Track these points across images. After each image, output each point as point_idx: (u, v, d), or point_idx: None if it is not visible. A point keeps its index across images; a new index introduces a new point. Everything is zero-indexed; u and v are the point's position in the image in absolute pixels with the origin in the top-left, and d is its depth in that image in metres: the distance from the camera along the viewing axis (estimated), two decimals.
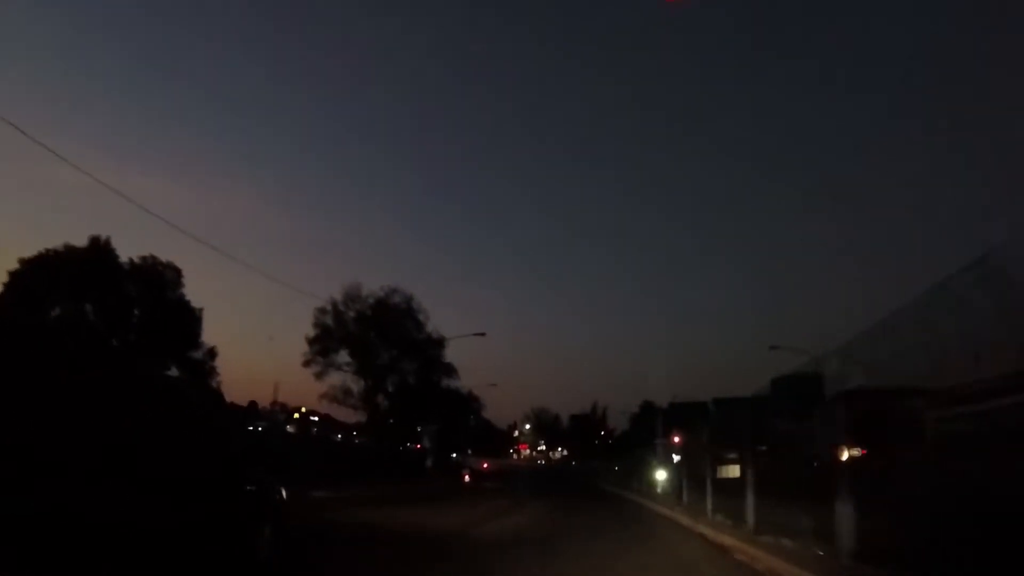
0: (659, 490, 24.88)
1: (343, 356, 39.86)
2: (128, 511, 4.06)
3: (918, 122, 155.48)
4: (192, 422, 5.27)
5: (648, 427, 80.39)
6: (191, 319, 33.69)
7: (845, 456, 7.17)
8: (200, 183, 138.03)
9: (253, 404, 52.53)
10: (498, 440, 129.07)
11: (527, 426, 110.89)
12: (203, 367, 34.21)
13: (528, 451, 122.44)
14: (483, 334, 45.08)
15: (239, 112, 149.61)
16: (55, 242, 31.36)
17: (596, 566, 7.89)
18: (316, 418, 58.25)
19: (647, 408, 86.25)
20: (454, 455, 73.44)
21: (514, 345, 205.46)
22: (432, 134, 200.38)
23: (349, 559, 7.66)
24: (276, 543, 6.14)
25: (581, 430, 62.75)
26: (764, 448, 11.72)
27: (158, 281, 32.72)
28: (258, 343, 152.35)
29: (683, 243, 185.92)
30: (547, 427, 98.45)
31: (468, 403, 65.28)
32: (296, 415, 57.95)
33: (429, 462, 47.66)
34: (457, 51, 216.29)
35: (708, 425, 18.72)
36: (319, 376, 39.47)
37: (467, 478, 44.98)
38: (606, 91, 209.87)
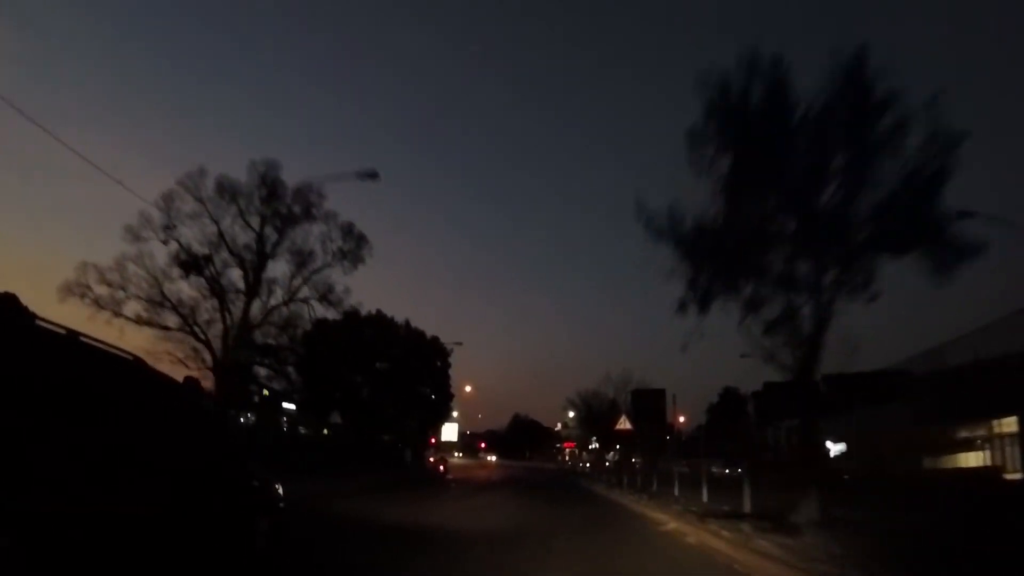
0: None
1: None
2: (122, 501, 3.87)
3: None
4: (189, 411, 5.11)
5: (735, 417, 65.42)
6: None
7: None
8: None
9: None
10: (543, 439, 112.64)
11: (570, 414, 79.54)
12: None
13: (576, 450, 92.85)
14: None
15: None
16: None
17: None
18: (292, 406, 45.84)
19: (730, 395, 72.62)
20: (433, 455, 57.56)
21: (564, 336, 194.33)
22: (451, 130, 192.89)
23: (346, 551, 7.83)
24: (273, 536, 6.13)
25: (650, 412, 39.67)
26: None
27: None
28: None
29: None
30: (600, 417, 66.15)
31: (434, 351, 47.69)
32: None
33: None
34: (457, 48, 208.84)
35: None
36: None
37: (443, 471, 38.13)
38: (619, 85, 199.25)
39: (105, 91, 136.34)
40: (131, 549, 3.94)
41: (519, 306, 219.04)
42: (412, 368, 44.05)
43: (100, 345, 4.02)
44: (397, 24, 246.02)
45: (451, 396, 54.36)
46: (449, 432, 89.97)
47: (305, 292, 26.03)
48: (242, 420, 39.79)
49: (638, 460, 48.18)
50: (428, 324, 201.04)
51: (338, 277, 26.70)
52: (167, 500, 4.29)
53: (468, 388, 64.77)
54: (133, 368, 4.32)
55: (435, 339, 48.30)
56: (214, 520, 4.97)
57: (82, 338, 3.87)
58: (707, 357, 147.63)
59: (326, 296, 26.33)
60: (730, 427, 60.68)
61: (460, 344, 48.56)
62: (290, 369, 27.24)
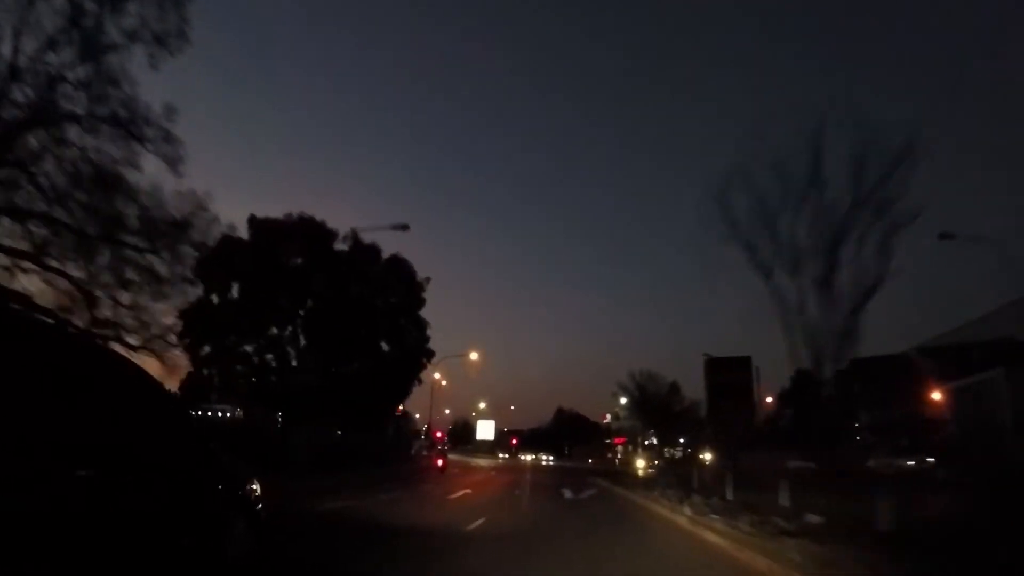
0: None
1: None
2: (66, 498, 3.23)
3: None
4: (139, 391, 4.16)
5: (815, 401, 54.42)
6: None
7: None
8: None
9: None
10: (589, 434, 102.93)
11: (622, 400, 62.73)
12: None
13: (629, 446, 77.05)
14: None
15: None
16: None
17: None
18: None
19: (803, 377, 59.29)
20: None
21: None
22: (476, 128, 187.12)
23: (326, 554, 7.35)
24: (250, 538, 5.53)
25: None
26: None
27: None
28: None
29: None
30: (657, 403, 55.77)
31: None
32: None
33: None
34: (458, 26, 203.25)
35: None
36: None
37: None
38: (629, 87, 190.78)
39: None
40: (76, 551, 3.23)
41: (567, 302, 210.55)
42: (356, 303, 27.80)
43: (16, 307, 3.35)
44: (408, 28, 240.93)
45: (428, 352, 34.24)
46: (485, 430, 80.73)
47: (94, 109, 14.26)
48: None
49: (714, 456, 35.64)
50: (467, 321, 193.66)
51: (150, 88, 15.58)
52: (117, 498, 3.51)
53: (474, 355, 45.74)
54: (56, 335, 3.61)
55: (397, 258, 30.71)
56: (176, 521, 4.17)
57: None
58: (766, 343, 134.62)
59: (120, 118, 14.38)
60: (819, 407, 49.59)
61: (428, 279, 32.05)
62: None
